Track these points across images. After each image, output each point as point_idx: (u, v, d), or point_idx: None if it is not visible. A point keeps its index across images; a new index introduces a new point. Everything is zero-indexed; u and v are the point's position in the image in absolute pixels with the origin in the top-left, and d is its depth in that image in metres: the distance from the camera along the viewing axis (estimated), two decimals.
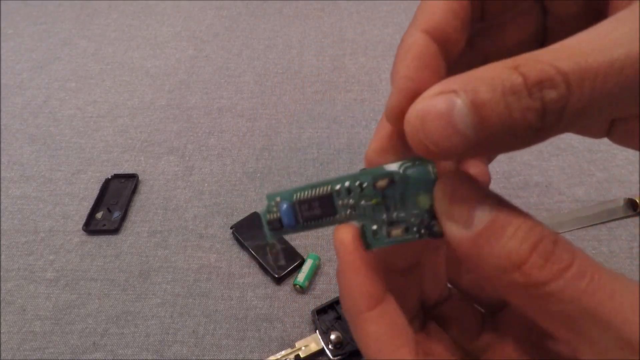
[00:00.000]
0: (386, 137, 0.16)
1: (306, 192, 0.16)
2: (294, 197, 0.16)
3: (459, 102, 0.11)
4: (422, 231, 0.15)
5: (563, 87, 0.10)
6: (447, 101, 0.11)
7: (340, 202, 0.16)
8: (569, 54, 0.11)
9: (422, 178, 0.15)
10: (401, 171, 0.15)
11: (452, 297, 0.20)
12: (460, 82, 0.11)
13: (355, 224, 0.16)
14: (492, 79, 0.11)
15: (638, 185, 0.47)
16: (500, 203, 0.13)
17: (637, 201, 0.43)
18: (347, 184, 0.15)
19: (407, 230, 0.15)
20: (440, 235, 0.15)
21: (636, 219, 0.44)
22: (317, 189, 0.16)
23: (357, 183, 0.15)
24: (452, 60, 0.16)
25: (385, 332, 0.15)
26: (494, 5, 0.17)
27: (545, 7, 0.18)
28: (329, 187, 0.16)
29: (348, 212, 0.16)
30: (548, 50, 0.11)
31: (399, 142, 0.16)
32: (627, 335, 0.11)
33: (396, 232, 0.15)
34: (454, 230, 0.13)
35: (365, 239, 0.15)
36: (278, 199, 0.16)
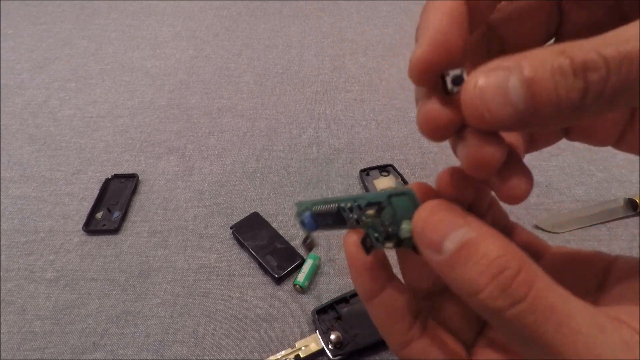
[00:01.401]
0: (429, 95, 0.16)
1: (320, 207, 0.20)
2: (313, 208, 0.20)
3: (513, 78, 0.12)
4: (407, 245, 0.18)
5: (604, 70, 0.12)
6: (503, 76, 0.13)
7: (348, 215, 0.19)
8: (610, 42, 0.12)
9: (405, 207, 0.17)
10: (387, 200, 0.17)
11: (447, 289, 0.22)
12: (513, 61, 0.13)
13: (362, 229, 0.19)
14: (543, 59, 0.12)
15: (638, 185, 0.47)
16: (471, 231, 0.14)
17: (637, 201, 0.43)
18: (349, 204, 0.19)
19: (398, 243, 0.18)
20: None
21: (636, 219, 0.44)
22: (329, 205, 0.19)
23: (356, 204, 0.19)
24: (475, 26, 0.16)
25: (383, 315, 0.19)
26: None
27: (563, 10, 0.18)
28: (336, 205, 0.19)
29: (356, 222, 0.19)
30: (590, 40, 0.12)
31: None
32: None
33: (389, 244, 0.18)
34: (427, 253, 0.15)
35: (364, 245, 0.18)
36: (303, 207, 0.20)
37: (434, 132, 0.16)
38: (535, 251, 0.21)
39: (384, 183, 0.48)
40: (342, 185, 0.48)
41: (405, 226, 0.17)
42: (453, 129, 0.16)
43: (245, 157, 0.52)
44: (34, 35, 0.77)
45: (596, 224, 0.43)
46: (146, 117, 0.58)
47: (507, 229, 0.21)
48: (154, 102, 0.61)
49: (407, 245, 0.17)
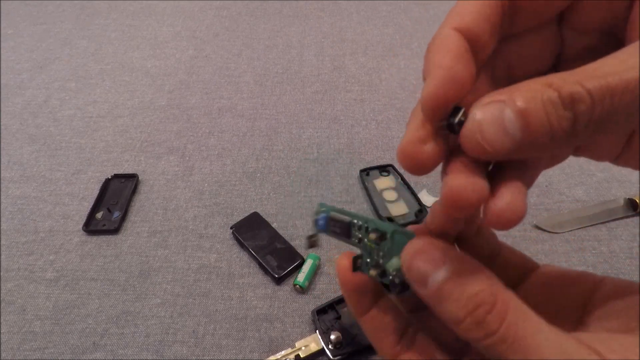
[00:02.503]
0: (419, 128, 0.17)
1: (337, 215, 0.21)
2: (331, 213, 0.21)
3: (508, 110, 0.14)
4: (392, 282, 0.19)
5: (589, 101, 0.13)
6: (498, 109, 0.14)
7: (355, 232, 0.21)
8: (593, 75, 0.13)
9: (402, 245, 0.18)
10: (391, 233, 0.19)
11: None
12: (506, 94, 0.14)
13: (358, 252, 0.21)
14: (533, 92, 0.13)
15: (638, 185, 0.47)
16: (452, 269, 0.16)
17: (637, 201, 0.43)
18: (359, 222, 0.20)
19: (382, 275, 0.19)
20: (402, 293, 0.19)
21: (636, 219, 0.44)
22: (344, 217, 0.21)
23: (366, 225, 0.20)
24: (480, 62, 0.17)
25: (371, 330, 0.20)
26: (523, 17, 0.18)
27: (563, 37, 0.19)
28: (349, 219, 0.21)
29: (357, 241, 0.21)
30: (574, 72, 0.13)
31: (431, 133, 0.17)
32: None
33: (373, 272, 0.19)
34: (414, 287, 0.17)
35: (354, 264, 0.20)
36: (323, 209, 0.22)
37: (414, 168, 0.17)
38: (522, 271, 0.22)
39: (384, 183, 0.48)
40: (342, 185, 0.48)
41: (394, 261, 0.18)
42: (431, 168, 0.17)
43: (245, 157, 0.52)
44: (34, 35, 0.77)
45: (596, 224, 0.43)
46: (146, 117, 0.58)
47: (495, 249, 0.22)
48: (154, 102, 0.61)
49: (386, 281, 0.19)
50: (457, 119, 0.16)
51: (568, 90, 0.13)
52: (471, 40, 0.17)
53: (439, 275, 0.16)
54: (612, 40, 0.18)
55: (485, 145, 0.14)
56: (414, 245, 0.17)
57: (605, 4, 0.17)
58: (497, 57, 0.19)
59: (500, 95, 0.14)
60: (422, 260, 0.16)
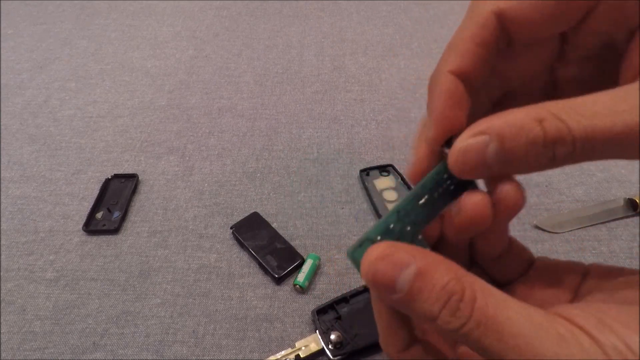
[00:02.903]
0: (423, 160, 0.20)
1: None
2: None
3: (492, 145, 0.15)
4: None
5: (570, 146, 0.14)
6: (482, 142, 0.15)
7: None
8: (582, 115, 0.14)
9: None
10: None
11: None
12: (496, 127, 0.15)
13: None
14: (520, 128, 0.14)
15: (638, 185, 0.47)
16: (419, 269, 0.15)
17: (637, 201, 0.43)
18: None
19: None
20: None
21: (636, 219, 0.44)
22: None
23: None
24: (475, 90, 0.19)
25: (383, 325, 0.20)
26: (518, 42, 0.19)
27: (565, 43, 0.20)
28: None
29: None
30: (567, 106, 0.14)
31: (432, 162, 0.20)
32: None
33: None
34: (383, 295, 0.16)
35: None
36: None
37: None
38: (525, 264, 0.23)
39: (384, 183, 0.48)
40: (342, 185, 0.48)
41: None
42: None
43: (245, 157, 0.52)
44: (34, 35, 0.77)
45: (596, 224, 0.43)
46: (146, 117, 0.58)
47: (525, 266, 0.23)
48: (154, 102, 0.61)
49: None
50: (448, 150, 0.18)
51: (554, 132, 0.14)
52: (466, 79, 0.18)
53: (407, 275, 0.15)
54: (612, 48, 0.19)
55: (466, 171, 0.16)
56: (373, 252, 0.16)
57: (608, 29, 0.18)
58: (493, 75, 0.20)
59: (487, 126, 0.15)
60: (386, 264, 0.16)
